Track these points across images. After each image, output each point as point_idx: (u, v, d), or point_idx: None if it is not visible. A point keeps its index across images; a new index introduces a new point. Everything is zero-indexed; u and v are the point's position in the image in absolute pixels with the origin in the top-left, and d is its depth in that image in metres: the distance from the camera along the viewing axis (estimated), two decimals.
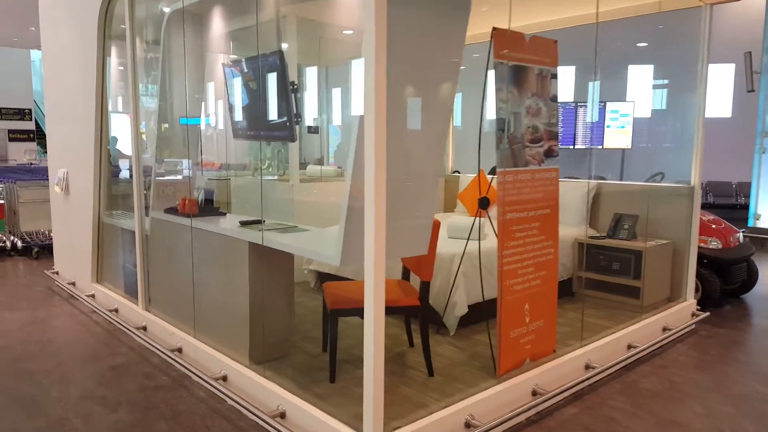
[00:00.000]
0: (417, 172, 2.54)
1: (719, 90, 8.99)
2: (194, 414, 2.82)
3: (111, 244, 4.58)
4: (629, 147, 8.59)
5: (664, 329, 3.88)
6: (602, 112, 8.59)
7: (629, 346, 3.54)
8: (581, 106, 8.74)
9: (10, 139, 15.41)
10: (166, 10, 3.62)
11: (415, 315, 2.86)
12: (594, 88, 7.88)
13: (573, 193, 4.71)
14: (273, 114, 2.79)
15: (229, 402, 2.90)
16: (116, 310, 4.22)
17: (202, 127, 4.57)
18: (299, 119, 2.72)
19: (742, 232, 5.05)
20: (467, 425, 2.55)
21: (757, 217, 7.27)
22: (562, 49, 3.08)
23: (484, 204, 3.04)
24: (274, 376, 2.86)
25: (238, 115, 3.15)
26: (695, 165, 4.18)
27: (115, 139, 4.71)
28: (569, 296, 4.41)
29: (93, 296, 4.58)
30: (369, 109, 2.03)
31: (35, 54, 15.64)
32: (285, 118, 2.74)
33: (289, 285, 3.15)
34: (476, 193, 4.87)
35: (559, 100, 6.92)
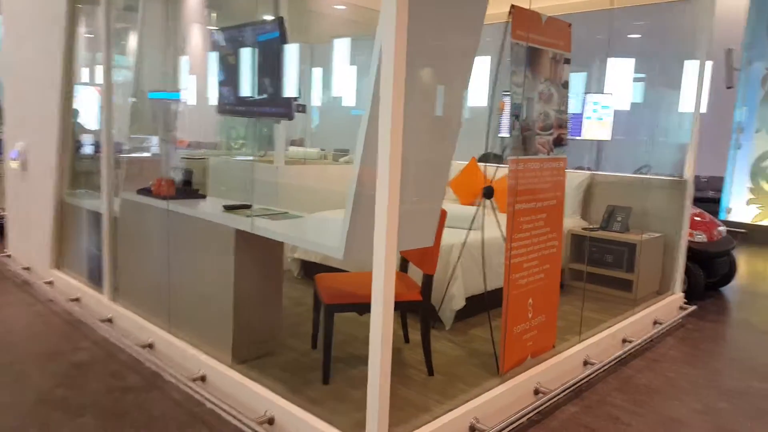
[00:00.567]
0: (427, 158, 2.34)
1: (695, 86, 9.05)
2: (170, 419, 2.55)
3: (73, 226, 4.23)
4: (609, 139, 8.58)
5: (655, 323, 3.82)
6: (583, 103, 8.54)
7: (624, 341, 3.46)
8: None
9: None
10: None
11: (415, 310, 2.68)
12: (584, 78, 7.80)
13: (566, 183, 4.59)
14: (269, 89, 2.54)
15: (209, 405, 2.66)
16: (78, 300, 3.89)
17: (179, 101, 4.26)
18: (298, 96, 2.48)
19: None
20: (472, 429, 2.40)
21: (729, 211, 7.38)
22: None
23: (489, 193, 2.87)
24: (261, 377, 2.64)
25: (227, 90, 2.87)
26: (689, 159, 4.12)
27: (77, 112, 4.34)
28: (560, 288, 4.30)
29: (51, 283, 4.23)
30: (386, 93, 1.83)
31: None
32: (282, 94, 2.49)
33: (278, 277, 2.93)
34: (470, 182, 4.70)
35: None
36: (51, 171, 4.14)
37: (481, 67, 5.38)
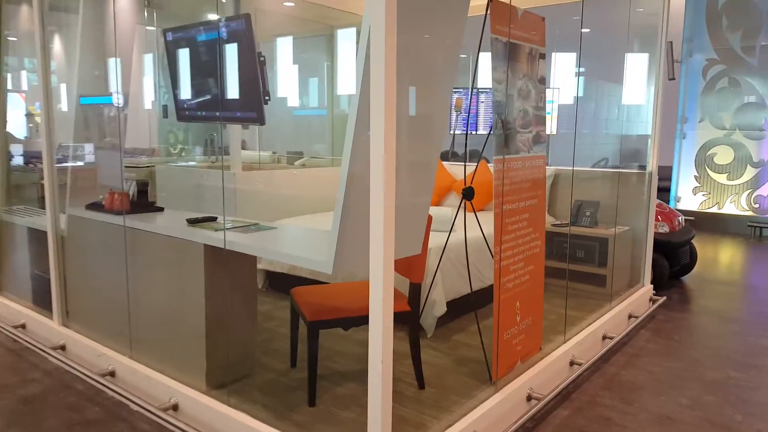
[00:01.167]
0: (413, 161, 2.20)
1: (638, 79, 9.31)
2: None
3: (12, 246, 3.87)
4: (554, 133, 8.70)
5: (630, 317, 3.83)
6: None
7: (604, 337, 3.44)
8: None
9: None
10: None
11: (403, 321, 2.54)
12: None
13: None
14: (236, 91, 2.33)
15: None
16: (23, 326, 3.55)
17: (116, 105, 3.97)
18: (269, 98, 2.28)
19: None
20: None
21: (678, 200, 7.60)
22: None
23: (470, 195, 2.76)
24: (240, 402, 2.44)
25: (186, 94, 2.63)
26: (653, 151, 4.15)
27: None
28: None
29: None
30: (377, 95, 1.68)
31: None
32: (252, 97, 2.29)
33: (252, 293, 2.73)
34: (441, 182, 4.60)
35: (485, 86, 6.82)
36: None
37: None
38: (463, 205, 2.82)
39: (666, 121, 8.58)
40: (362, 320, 2.47)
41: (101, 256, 3.10)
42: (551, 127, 8.61)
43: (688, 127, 7.57)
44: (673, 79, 7.11)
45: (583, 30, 3.43)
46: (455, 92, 6.35)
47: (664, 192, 7.75)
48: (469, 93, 6.51)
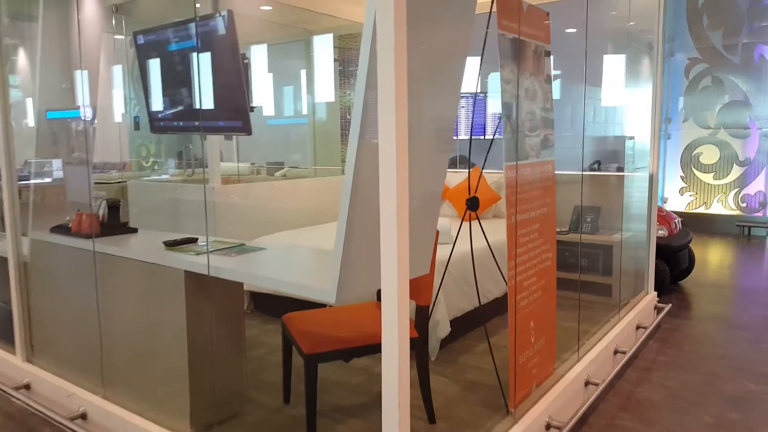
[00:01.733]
0: (421, 172, 1.97)
1: (615, 80, 9.26)
2: None
3: None
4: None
5: (638, 327, 3.64)
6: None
7: (616, 352, 3.24)
8: (492, 97, 8.58)
9: None
10: None
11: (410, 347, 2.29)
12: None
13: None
14: (218, 98, 2.07)
15: None
16: None
17: (83, 118, 3.67)
18: (254, 106, 2.02)
19: None
20: None
21: (665, 200, 7.51)
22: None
23: (474, 205, 2.54)
24: None
25: (160, 102, 2.36)
26: (653, 155, 3.99)
27: None
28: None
29: None
30: (387, 103, 1.44)
31: None
32: (237, 104, 2.03)
33: (239, 322, 2.46)
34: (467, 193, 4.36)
35: (468, 90, 6.65)
36: None
37: None
38: (469, 216, 2.60)
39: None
40: (365, 350, 2.22)
41: (69, 284, 2.79)
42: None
43: (673, 127, 7.50)
44: None
45: (567, 30, 3.27)
46: None
47: None
48: (474, 96, 6.30)
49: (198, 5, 3.69)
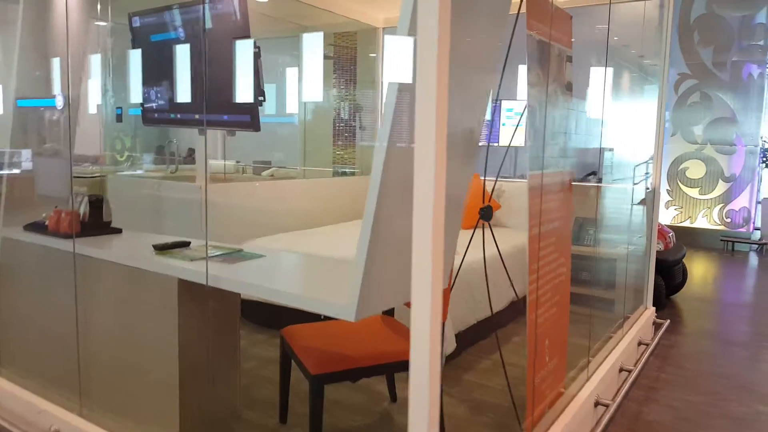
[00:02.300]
0: (449, 180, 1.81)
1: (600, 93, 9.28)
2: None
3: None
4: (523, 145, 8.51)
5: (640, 344, 3.54)
6: (498, 110, 8.42)
7: (621, 370, 3.13)
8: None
9: None
10: None
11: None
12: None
13: (522, 194, 4.26)
14: (225, 90, 1.88)
15: None
16: None
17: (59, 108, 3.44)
18: (263, 99, 1.84)
19: None
20: None
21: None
22: None
23: (488, 215, 2.40)
24: None
25: (154, 93, 2.15)
26: (655, 168, 3.92)
27: None
28: (520, 316, 3.92)
29: None
30: (426, 108, 1.28)
31: None
32: (245, 96, 1.84)
33: (234, 335, 2.26)
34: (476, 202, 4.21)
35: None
36: None
37: None
38: (480, 225, 2.45)
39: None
40: (376, 371, 2.05)
41: (44, 288, 2.56)
42: (523, 139, 8.46)
43: None
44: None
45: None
46: None
47: None
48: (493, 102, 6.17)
49: None
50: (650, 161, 4.09)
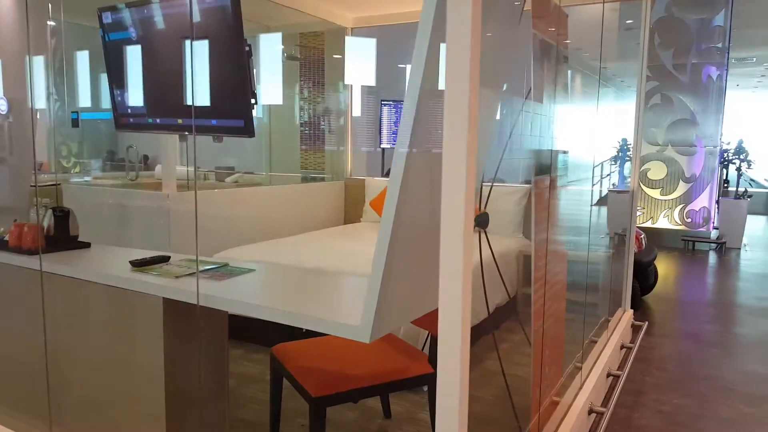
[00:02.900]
0: None
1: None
2: None
3: None
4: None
5: (622, 347, 3.54)
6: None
7: (608, 375, 3.11)
8: None
9: None
10: None
11: (421, 384, 2.03)
12: None
13: (505, 198, 4.22)
14: (215, 92, 1.71)
15: None
16: None
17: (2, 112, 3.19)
18: (255, 101, 1.69)
19: None
20: None
21: None
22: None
23: (485, 223, 2.31)
24: None
25: (129, 96, 1.95)
26: (634, 170, 3.93)
27: None
28: (515, 317, 3.89)
29: None
30: (457, 110, 1.18)
31: None
32: (237, 99, 1.69)
33: (222, 357, 2.10)
34: None
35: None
36: None
37: None
38: (479, 233, 2.36)
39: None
40: (379, 390, 1.93)
41: (6, 310, 2.33)
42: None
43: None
44: None
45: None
46: (384, 104, 5.92)
47: None
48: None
49: None
50: (611, 162, 4.11)
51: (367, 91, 6.63)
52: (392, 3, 4.59)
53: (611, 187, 7.86)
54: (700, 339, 4.06)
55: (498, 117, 1.85)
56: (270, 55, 5.19)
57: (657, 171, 7.27)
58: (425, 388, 2.82)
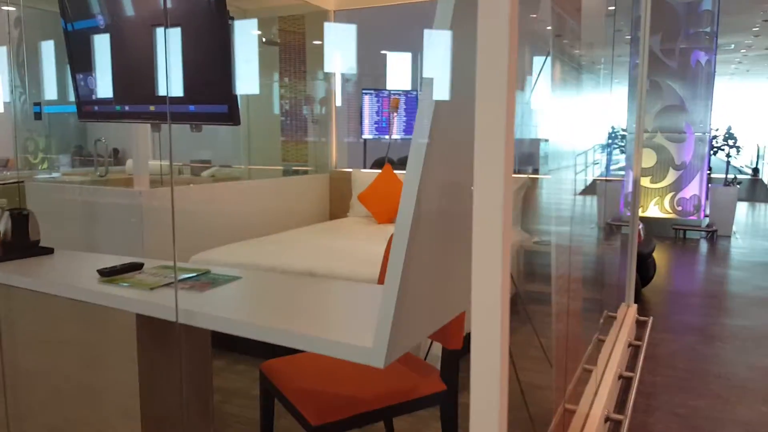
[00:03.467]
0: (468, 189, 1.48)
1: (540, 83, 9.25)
2: None
3: None
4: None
5: (630, 345, 3.37)
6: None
7: (620, 377, 2.93)
8: None
9: None
10: None
11: (433, 403, 1.81)
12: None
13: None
14: (191, 75, 1.46)
15: None
16: None
17: None
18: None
19: None
20: None
21: None
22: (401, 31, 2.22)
23: None
24: None
25: (102, 81, 1.69)
26: (636, 162, 3.76)
27: None
28: (514, 315, 3.68)
29: None
30: (492, 98, 0.95)
31: None
32: (219, 82, 1.44)
33: (206, 375, 1.86)
34: (387, 194, 3.89)
35: (400, 87, 6.25)
36: None
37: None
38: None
39: None
40: (386, 413, 1.71)
41: None
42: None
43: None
44: None
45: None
46: (394, 93, 5.70)
47: None
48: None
49: None
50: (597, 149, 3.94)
51: (346, 79, 6.38)
52: None
53: (600, 176, 7.74)
54: (705, 333, 3.92)
55: None
56: (246, 41, 4.90)
57: (647, 158, 7.14)
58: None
